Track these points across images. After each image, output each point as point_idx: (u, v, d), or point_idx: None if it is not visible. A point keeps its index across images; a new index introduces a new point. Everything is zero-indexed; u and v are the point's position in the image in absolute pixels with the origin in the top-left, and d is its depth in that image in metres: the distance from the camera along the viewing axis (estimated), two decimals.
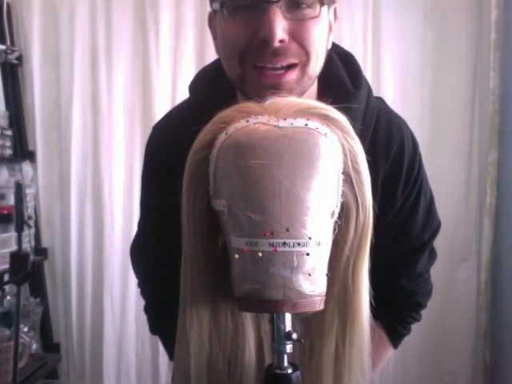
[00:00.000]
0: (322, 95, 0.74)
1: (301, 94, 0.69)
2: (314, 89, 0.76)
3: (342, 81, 0.78)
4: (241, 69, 0.68)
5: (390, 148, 0.79)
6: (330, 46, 0.74)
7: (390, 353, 0.90)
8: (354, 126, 0.63)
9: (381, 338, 0.86)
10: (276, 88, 0.66)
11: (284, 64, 0.66)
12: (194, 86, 0.84)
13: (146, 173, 0.90)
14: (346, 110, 0.62)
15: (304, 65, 0.67)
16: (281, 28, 0.64)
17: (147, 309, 0.95)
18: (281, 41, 0.64)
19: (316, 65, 0.69)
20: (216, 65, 0.80)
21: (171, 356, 0.88)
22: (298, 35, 0.66)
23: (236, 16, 0.66)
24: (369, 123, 0.78)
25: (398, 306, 0.87)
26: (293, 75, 0.67)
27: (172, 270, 0.69)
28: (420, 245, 0.85)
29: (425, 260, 0.87)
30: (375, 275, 0.67)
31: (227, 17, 0.67)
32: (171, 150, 0.77)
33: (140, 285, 0.95)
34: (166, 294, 0.78)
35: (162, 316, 0.87)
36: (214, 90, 0.79)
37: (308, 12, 0.66)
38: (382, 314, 0.77)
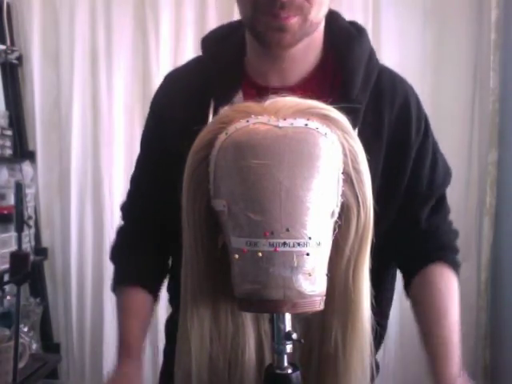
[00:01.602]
0: (326, 41, 0.84)
1: (304, 37, 0.76)
2: (319, 34, 0.82)
3: (346, 28, 0.86)
4: (252, 14, 0.75)
5: (395, 96, 0.83)
6: None
7: (457, 288, 0.86)
8: (357, 70, 0.78)
9: (448, 279, 0.84)
10: (282, 30, 0.73)
11: (285, 13, 0.72)
12: (206, 40, 0.89)
13: (149, 116, 0.94)
14: (350, 53, 0.76)
15: (306, 13, 0.73)
16: None
17: (116, 252, 0.92)
18: None
19: (318, 13, 0.75)
20: (230, 23, 0.88)
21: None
22: None
23: None
24: (371, 71, 0.83)
25: (440, 238, 0.87)
26: (294, 19, 0.73)
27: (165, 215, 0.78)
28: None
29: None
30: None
31: None
32: (175, 96, 0.88)
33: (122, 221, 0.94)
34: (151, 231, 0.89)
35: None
36: (224, 45, 0.86)
37: None
38: (434, 253, 0.82)
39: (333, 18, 0.85)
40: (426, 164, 0.85)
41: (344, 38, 0.84)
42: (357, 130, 0.74)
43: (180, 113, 0.83)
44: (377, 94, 0.82)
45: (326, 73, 0.83)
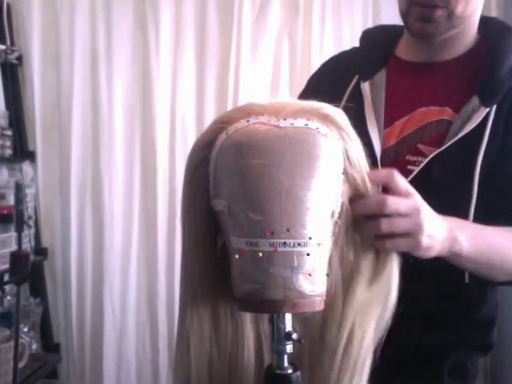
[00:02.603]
0: (481, 32, 0.89)
1: (449, 30, 0.83)
2: (471, 25, 0.87)
3: (502, 22, 0.91)
4: (406, 6, 0.83)
5: None
6: None
7: None
8: (507, 54, 0.82)
9: None
10: (427, 20, 0.81)
11: (430, 4, 0.79)
12: (367, 29, 1.02)
13: (316, 73, 1.06)
14: (503, 40, 0.83)
15: (452, 8, 0.79)
16: None
17: None
18: None
19: (466, 7, 0.80)
20: (395, 26, 0.96)
21: None
22: None
23: None
24: None
25: None
26: (439, 12, 0.80)
27: None
28: None
29: None
30: None
31: None
32: (326, 74, 1.02)
33: None
34: None
35: None
36: (380, 31, 0.99)
37: None
38: None
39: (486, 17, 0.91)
40: None
41: (499, 28, 0.89)
42: (495, 107, 0.81)
43: (325, 88, 0.92)
44: None
45: (475, 59, 0.88)
